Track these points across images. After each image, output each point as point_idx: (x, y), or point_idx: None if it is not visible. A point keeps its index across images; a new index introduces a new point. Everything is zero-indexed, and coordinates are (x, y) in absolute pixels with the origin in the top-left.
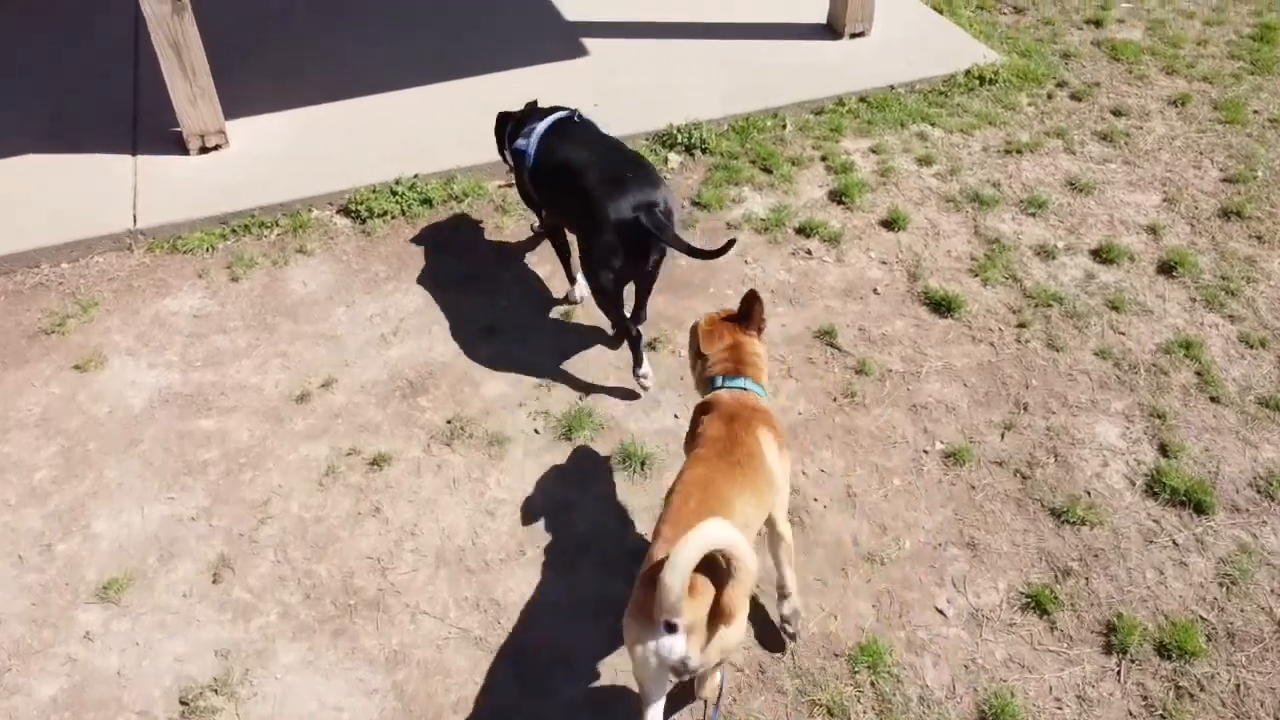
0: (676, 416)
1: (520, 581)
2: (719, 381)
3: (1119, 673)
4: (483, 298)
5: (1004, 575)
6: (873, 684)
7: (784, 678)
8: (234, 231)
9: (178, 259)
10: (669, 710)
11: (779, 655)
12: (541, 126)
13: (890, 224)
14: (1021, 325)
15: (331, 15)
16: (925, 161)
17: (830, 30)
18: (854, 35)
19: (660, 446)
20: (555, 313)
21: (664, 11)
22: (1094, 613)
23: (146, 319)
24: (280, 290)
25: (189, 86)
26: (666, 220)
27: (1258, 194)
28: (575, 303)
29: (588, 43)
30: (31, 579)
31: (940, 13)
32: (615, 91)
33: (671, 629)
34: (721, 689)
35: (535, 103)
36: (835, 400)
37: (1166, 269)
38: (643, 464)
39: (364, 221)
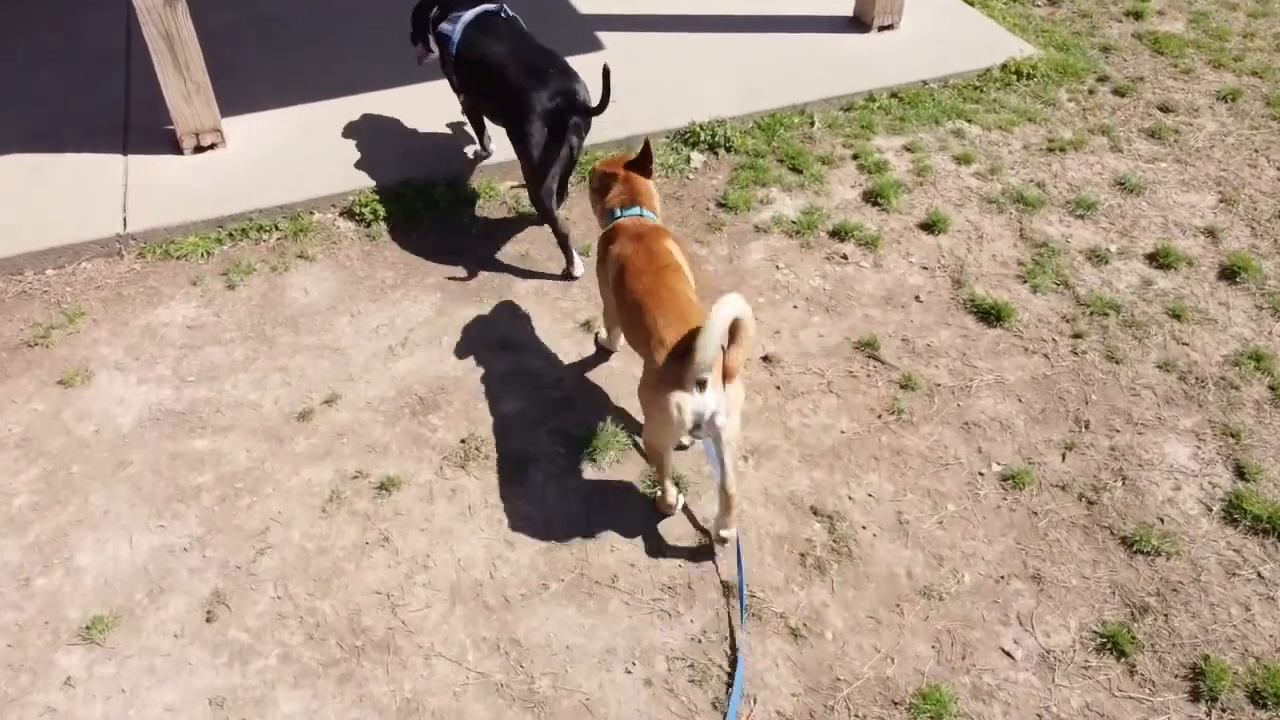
0: None
1: (544, 620)
2: (618, 212)
3: None
4: (496, 308)
5: (1075, 612)
6: None
7: None
8: (230, 236)
9: (170, 265)
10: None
11: (831, 704)
12: (468, 15)
13: (930, 227)
14: (1077, 335)
15: (334, 9)
16: (963, 160)
17: (858, 23)
18: (882, 28)
19: (691, 469)
20: (571, 324)
21: (683, 3)
22: (1177, 655)
23: (136, 330)
24: (280, 299)
25: (183, 82)
26: (585, 108)
27: None
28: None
29: (602, 36)
30: (8, 618)
31: (971, 4)
32: (633, 88)
33: (702, 386)
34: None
35: None
36: (880, 417)
37: (1228, 274)
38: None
39: (368, 225)
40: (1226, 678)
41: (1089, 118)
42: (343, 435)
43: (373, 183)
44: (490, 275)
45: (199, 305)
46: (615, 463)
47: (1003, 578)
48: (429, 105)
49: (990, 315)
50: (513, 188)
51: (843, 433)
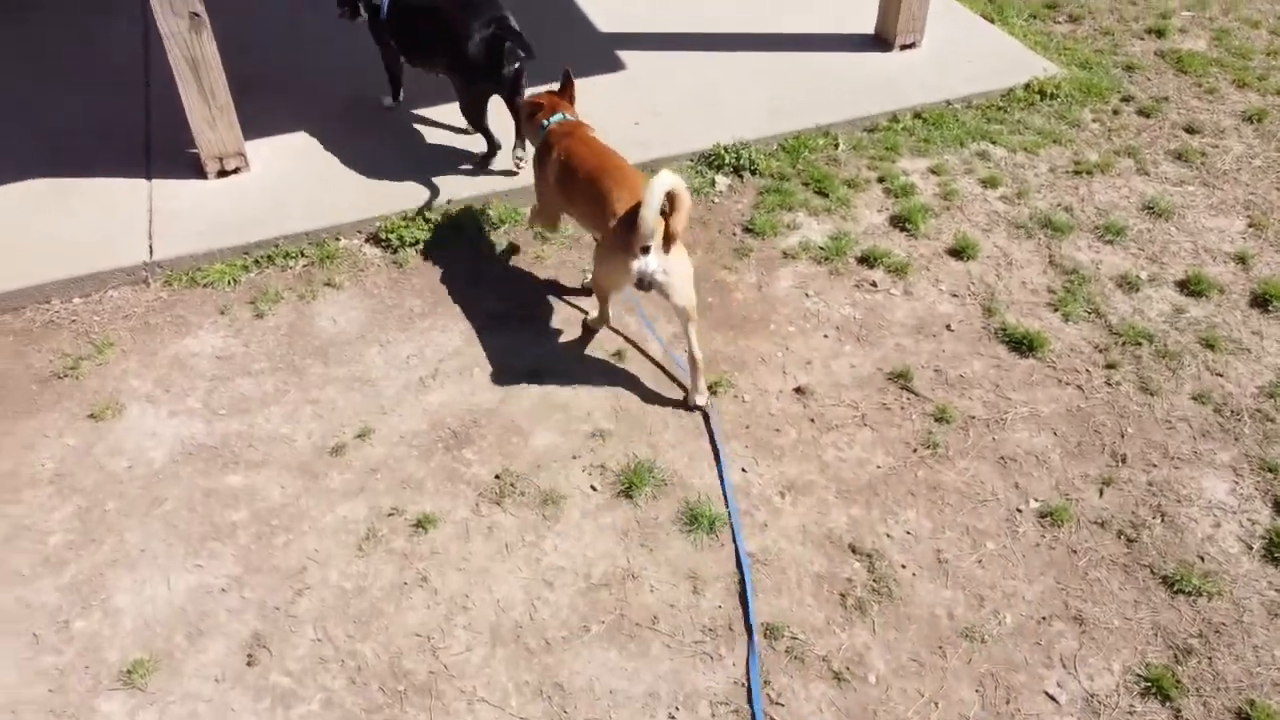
0: (744, 470)
1: (586, 663)
2: (546, 122)
3: None
4: (525, 336)
5: (1118, 654)
6: None
7: None
8: (256, 263)
9: (197, 293)
10: None
11: None
12: None
13: (958, 253)
14: (1110, 366)
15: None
16: (990, 183)
17: (880, 41)
18: (904, 47)
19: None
20: (603, 353)
21: (703, 22)
22: (1222, 699)
23: (165, 361)
24: (308, 328)
25: (207, 107)
26: (516, 31)
27: None
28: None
29: (623, 56)
30: (48, 661)
31: (992, 21)
32: (656, 110)
33: (646, 250)
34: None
35: None
36: (915, 451)
37: (1260, 302)
38: (711, 525)
39: (395, 251)
40: None
41: (1114, 139)
42: (376, 470)
43: (399, 208)
44: (517, 303)
45: (227, 335)
46: (651, 499)
47: (1044, 618)
48: (452, 127)
49: (1022, 345)
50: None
51: (878, 467)
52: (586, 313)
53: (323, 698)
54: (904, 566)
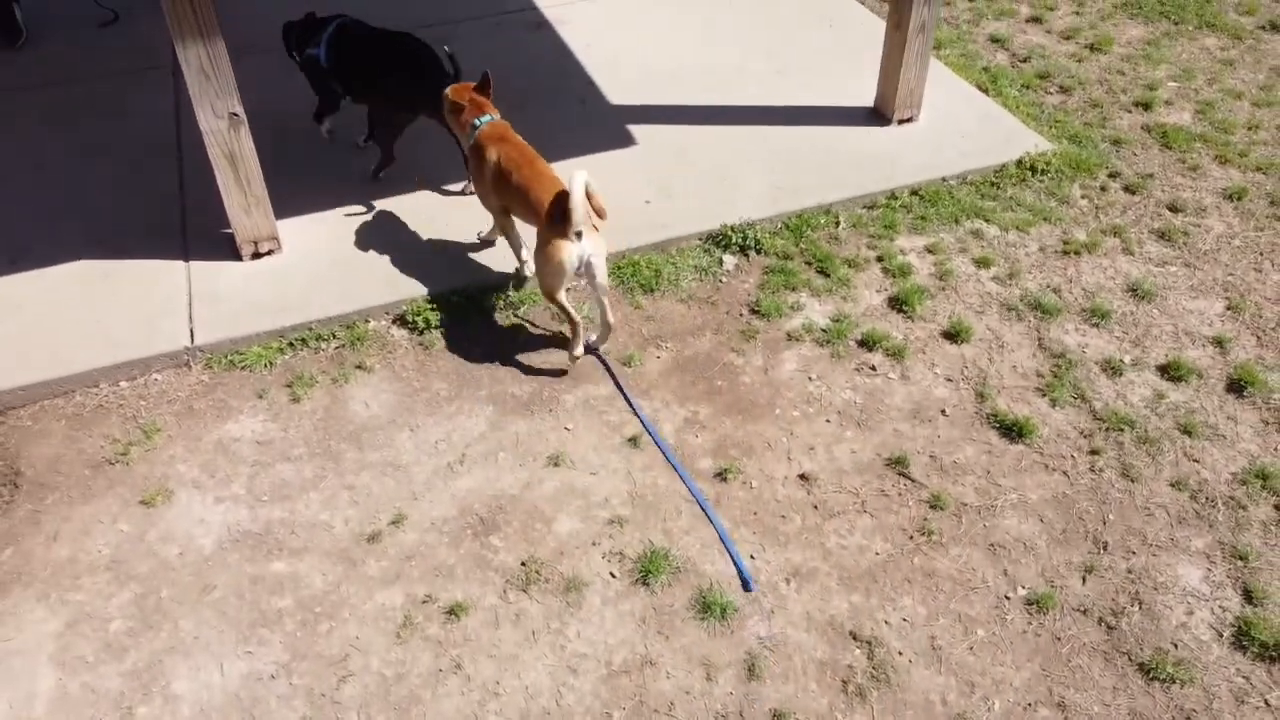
0: (752, 558)
1: None
2: (476, 121)
3: None
4: (546, 421)
5: None
6: None
7: None
8: (291, 345)
9: (236, 376)
10: None
11: None
12: (328, 32)
13: (953, 336)
14: (1094, 452)
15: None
16: (983, 263)
17: (878, 115)
18: (902, 121)
19: (740, 593)
20: (618, 438)
21: (708, 94)
22: None
23: (210, 446)
24: (342, 412)
25: (244, 197)
26: (436, 60)
27: None
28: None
29: (633, 129)
30: None
31: (986, 92)
32: (669, 191)
33: (579, 236)
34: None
35: (313, 13)
36: (912, 538)
37: (1236, 388)
38: (723, 612)
39: (421, 333)
40: None
41: (1101, 217)
42: (411, 558)
43: (424, 290)
44: (539, 385)
45: (266, 419)
46: (666, 586)
47: (1030, 704)
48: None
49: (1012, 431)
50: None
51: (877, 554)
52: (570, 350)
53: None
54: (901, 653)
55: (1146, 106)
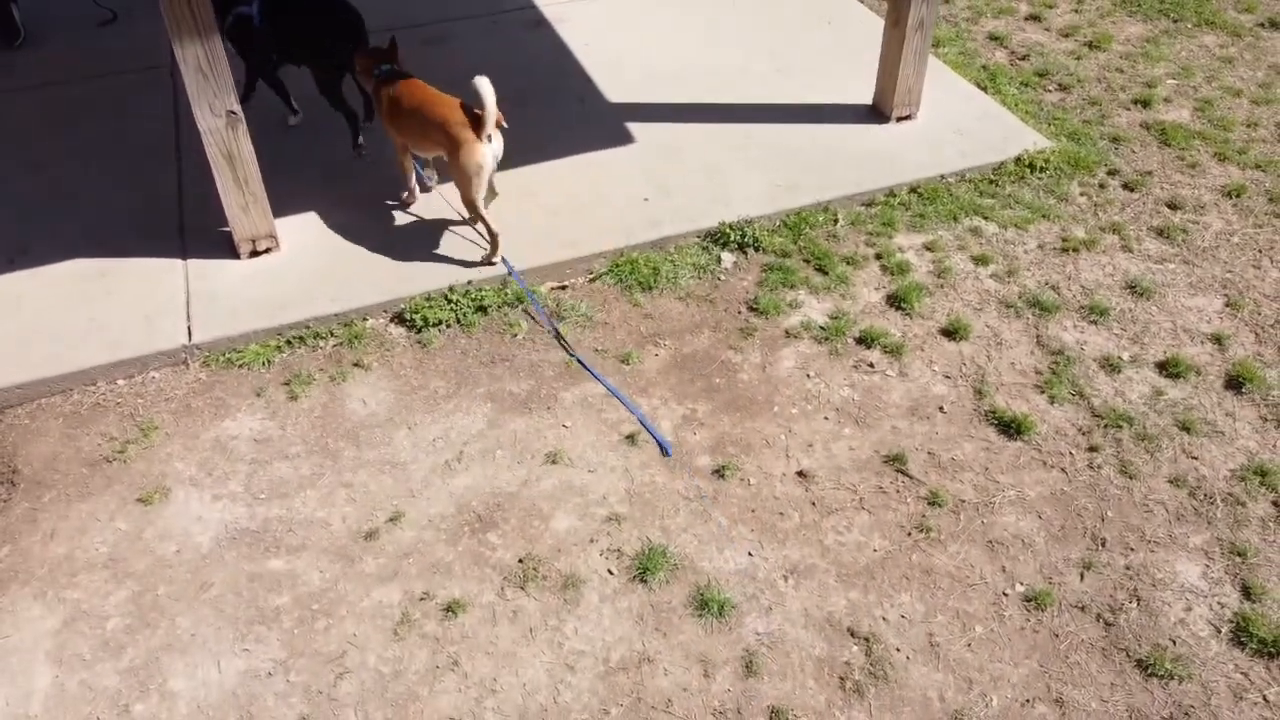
0: (750, 555)
1: None
2: (377, 70)
3: None
4: (544, 419)
5: None
6: None
7: None
8: (289, 343)
9: (234, 374)
10: None
11: None
12: None
13: (951, 333)
14: (1092, 449)
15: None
16: (981, 261)
17: (876, 113)
18: (901, 119)
19: (738, 590)
20: (616, 435)
21: (707, 92)
22: None
23: (207, 444)
24: (340, 410)
25: (241, 196)
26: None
27: None
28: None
29: (632, 127)
30: None
31: (985, 90)
32: (667, 188)
33: (490, 139)
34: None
35: None
36: (910, 535)
37: (1234, 384)
38: (720, 609)
39: (419, 331)
40: None
41: (1100, 214)
42: (408, 555)
43: (422, 288)
44: (537, 383)
45: (264, 417)
46: (664, 583)
47: (1028, 700)
48: None
49: (1011, 428)
50: (553, 289)
51: (875, 551)
52: (487, 248)
53: None
54: (899, 650)
55: (1145, 104)
